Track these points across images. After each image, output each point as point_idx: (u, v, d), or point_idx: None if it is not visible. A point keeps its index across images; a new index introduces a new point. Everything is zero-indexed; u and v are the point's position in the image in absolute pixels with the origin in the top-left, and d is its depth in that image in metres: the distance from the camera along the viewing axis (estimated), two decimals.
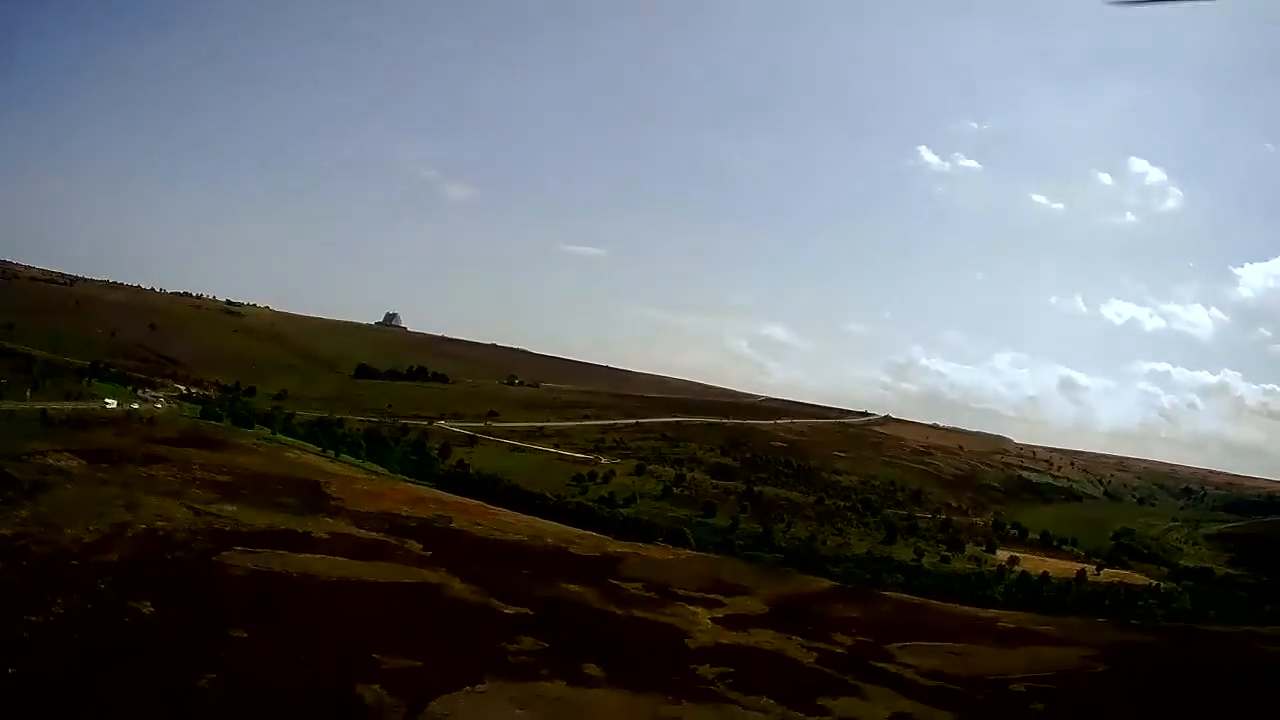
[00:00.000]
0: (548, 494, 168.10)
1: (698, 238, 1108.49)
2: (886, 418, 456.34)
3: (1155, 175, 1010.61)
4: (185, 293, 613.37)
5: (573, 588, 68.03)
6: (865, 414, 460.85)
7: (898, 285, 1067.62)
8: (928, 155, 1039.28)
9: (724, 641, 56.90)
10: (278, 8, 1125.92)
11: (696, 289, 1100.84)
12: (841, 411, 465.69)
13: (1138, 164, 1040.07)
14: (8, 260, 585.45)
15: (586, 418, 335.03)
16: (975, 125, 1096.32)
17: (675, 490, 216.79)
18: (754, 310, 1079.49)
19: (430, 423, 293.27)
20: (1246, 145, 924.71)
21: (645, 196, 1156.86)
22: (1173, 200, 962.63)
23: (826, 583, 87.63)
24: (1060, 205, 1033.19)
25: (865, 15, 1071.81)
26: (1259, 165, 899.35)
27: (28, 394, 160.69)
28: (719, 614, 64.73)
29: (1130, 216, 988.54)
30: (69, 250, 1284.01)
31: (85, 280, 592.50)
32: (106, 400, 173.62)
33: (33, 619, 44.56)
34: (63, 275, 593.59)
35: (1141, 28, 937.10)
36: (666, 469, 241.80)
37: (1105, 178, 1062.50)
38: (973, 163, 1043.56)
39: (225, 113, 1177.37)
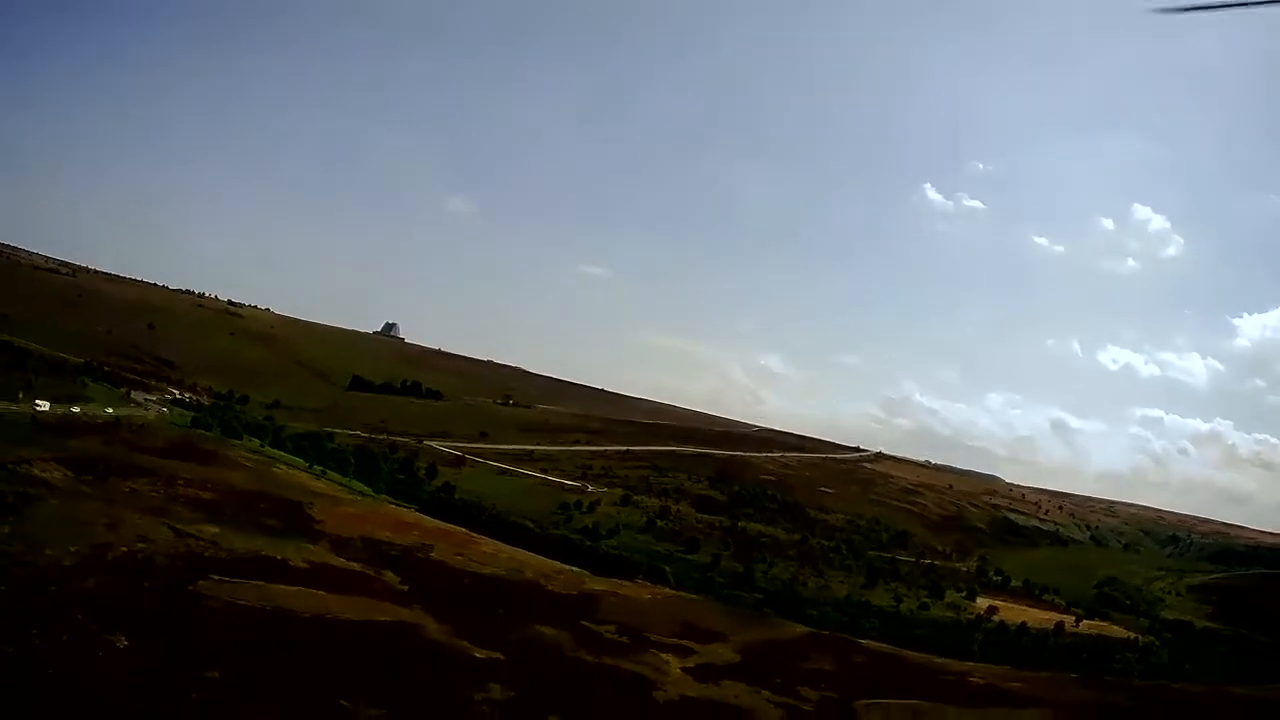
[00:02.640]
0: (531, 523, 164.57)
1: (703, 263, 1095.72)
2: (879, 454, 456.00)
3: (1158, 222, 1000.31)
4: (188, 290, 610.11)
5: (547, 630, 68.88)
6: (858, 449, 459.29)
7: (896, 320, 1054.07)
8: (932, 194, 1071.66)
9: (691, 695, 58.25)
10: (287, 16, 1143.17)
11: (698, 315, 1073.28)
12: (834, 445, 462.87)
13: (1140, 210, 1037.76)
14: (8, 245, 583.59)
15: (578, 442, 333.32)
16: (980, 166, 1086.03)
17: (659, 523, 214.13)
18: (754, 339, 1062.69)
19: (420, 441, 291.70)
20: (1249, 196, 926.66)
21: (652, 219, 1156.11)
22: (1174, 248, 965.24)
23: (802, 629, 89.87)
24: (1061, 248, 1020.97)
25: (879, 54, 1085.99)
26: (1261, 217, 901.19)
27: (20, 394, 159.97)
28: (690, 663, 65.88)
29: (1131, 263, 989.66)
30: (73, 239, 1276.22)
31: (88, 271, 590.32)
32: (88, 407, 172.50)
33: (9, 651, 45.23)
34: (64, 264, 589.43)
35: (1149, 77, 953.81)
36: (652, 500, 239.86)
37: (1108, 223, 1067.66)
38: (976, 203, 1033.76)
39: (237, 114, 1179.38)
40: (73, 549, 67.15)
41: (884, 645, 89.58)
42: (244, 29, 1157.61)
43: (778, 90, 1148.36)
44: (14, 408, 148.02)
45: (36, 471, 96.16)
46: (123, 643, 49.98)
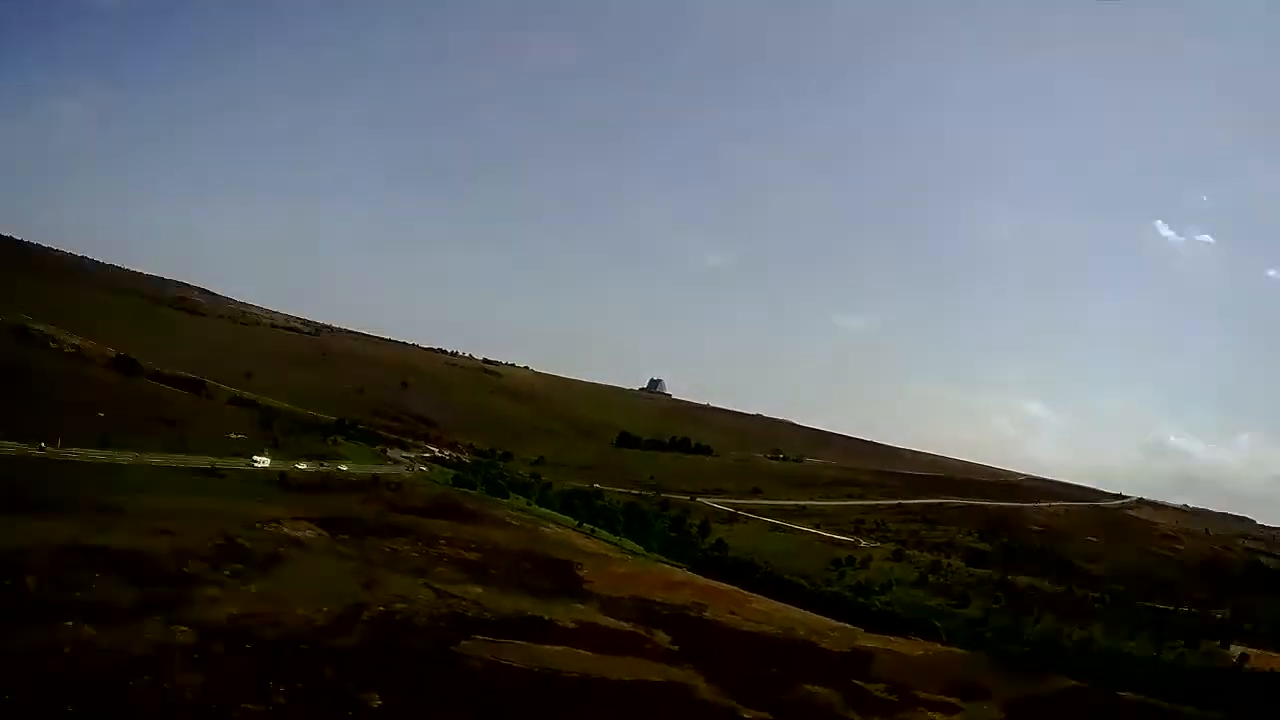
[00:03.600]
0: (804, 580, 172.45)
1: (961, 310, 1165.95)
2: (1139, 500, 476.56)
3: None
4: (440, 349, 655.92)
5: (817, 690, 72.40)
6: (1119, 496, 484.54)
7: (1149, 361, 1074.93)
8: (1164, 230, 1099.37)
9: None
10: (525, 74, 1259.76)
11: (959, 362, 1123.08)
12: (1097, 493, 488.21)
13: None
14: (248, 303, 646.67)
15: (850, 496, 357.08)
16: (1204, 199, 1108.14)
17: (930, 578, 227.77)
18: (1015, 385, 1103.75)
19: (692, 498, 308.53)
20: None
21: (906, 266, 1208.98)
22: None
23: (1066, 682, 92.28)
24: None
25: (1105, 91, 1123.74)
26: None
27: (266, 452, 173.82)
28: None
29: None
30: (315, 299, 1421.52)
31: (331, 330, 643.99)
32: (341, 465, 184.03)
33: (250, 708, 47.92)
34: (306, 323, 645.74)
35: None
36: (924, 554, 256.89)
37: None
38: (1207, 237, 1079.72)
39: (486, 175, 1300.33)
40: (325, 608, 71.26)
41: (1141, 697, 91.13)
42: (490, 96, 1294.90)
43: (1018, 132, 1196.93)
44: (261, 466, 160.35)
45: (287, 530, 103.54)
46: (376, 702, 51.98)
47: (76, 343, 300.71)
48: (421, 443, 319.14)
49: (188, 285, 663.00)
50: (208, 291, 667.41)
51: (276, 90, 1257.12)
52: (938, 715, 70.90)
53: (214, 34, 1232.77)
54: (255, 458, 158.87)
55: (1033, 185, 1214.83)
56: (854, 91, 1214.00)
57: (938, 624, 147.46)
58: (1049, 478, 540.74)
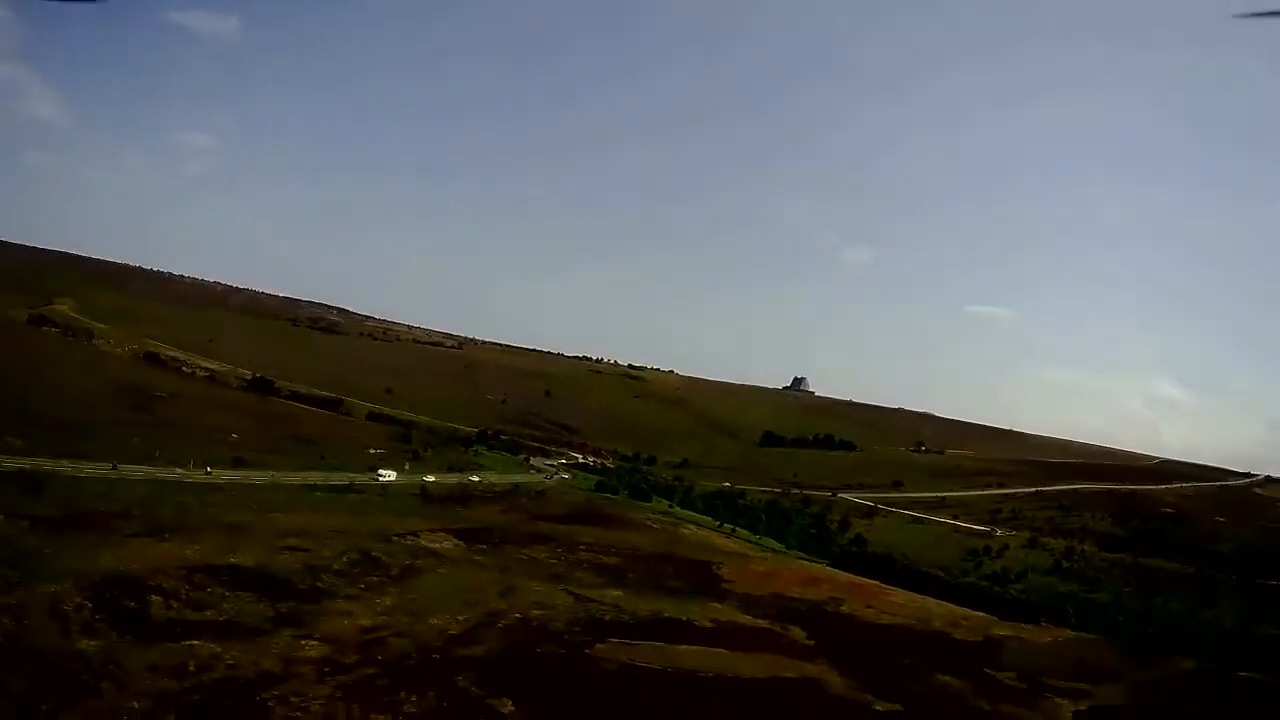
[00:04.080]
0: (941, 571, 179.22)
1: (1097, 296, 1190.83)
2: (1267, 478, 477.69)
3: None
4: (585, 356, 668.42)
5: (949, 679, 73.56)
6: (1248, 474, 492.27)
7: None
8: None
9: None
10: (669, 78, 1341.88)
11: (1097, 347, 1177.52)
12: (1225, 472, 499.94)
13: None
14: (390, 320, 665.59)
15: (988, 486, 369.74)
16: None
17: (1064, 564, 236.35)
18: (1147, 367, 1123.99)
19: (834, 494, 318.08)
20: None
21: (1039, 253, 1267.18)
22: None
23: (1189, 664, 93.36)
24: None
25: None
26: None
27: (406, 465, 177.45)
28: (1082, 705, 71.76)
29: None
30: (459, 312, 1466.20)
31: (475, 342, 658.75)
32: (482, 476, 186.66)
33: (379, 718, 48.36)
34: (450, 337, 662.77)
35: None
36: (1058, 541, 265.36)
37: None
38: None
39: (620, 187, 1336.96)
40: (462, 617, 71.84)
41: (1262, 676, 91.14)
42: (632, 114, 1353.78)
43: (1139, 113, 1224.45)
44: (400, 479, 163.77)
45: (424, 542, 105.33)
46: (508, 708, 51.79)
47: (210, 366, 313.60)
48: (565, 450, 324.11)
49: (325, 305, 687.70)
50: (346, 310, 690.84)
51: (410, 110, 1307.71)
52: (1065, 701, 72.11)
53: (340, 59, 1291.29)
54: (380, 472, 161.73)
55: (1163, 162, 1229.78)
56: (986, 83, 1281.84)
57: (1070, 610, 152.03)
58: (1180, 459, 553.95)
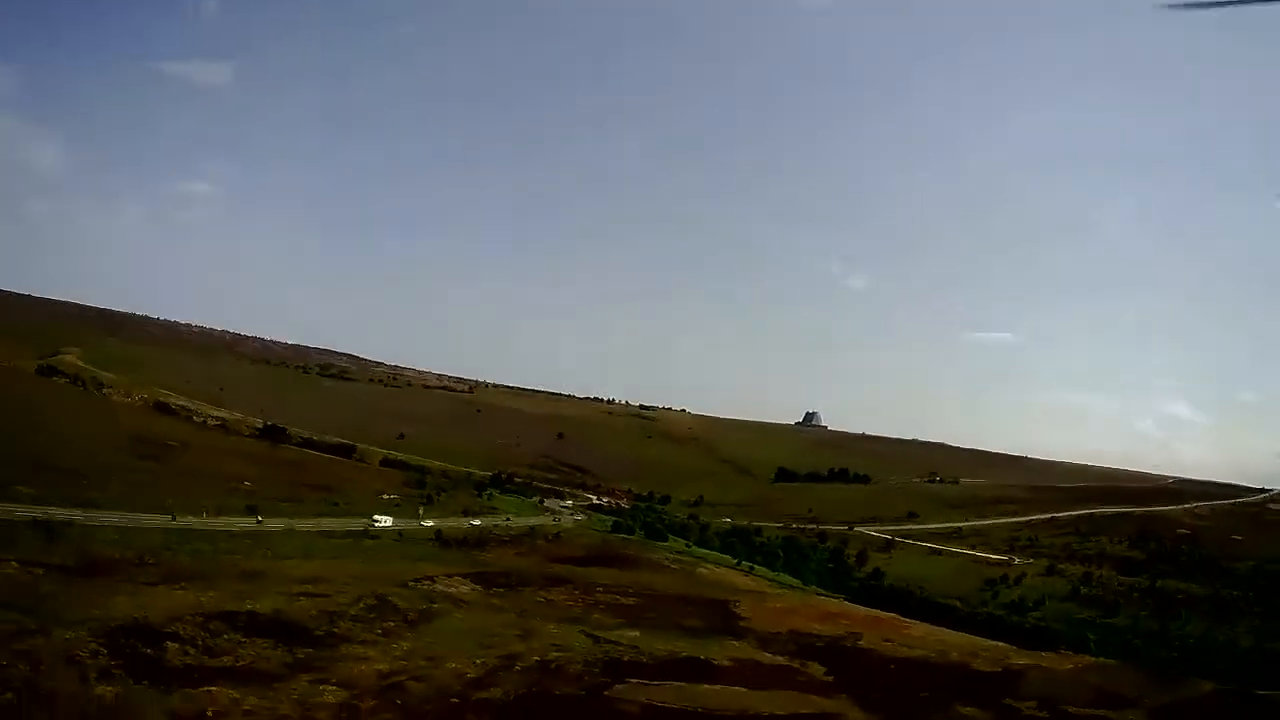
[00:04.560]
0: (959, 602, 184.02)
1: (1101, 316, 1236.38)
2: None
3: None
4: (596, 397, 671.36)
5: (968, 710, 72.94)
6: (1263, 490, 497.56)
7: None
8: None
9: None
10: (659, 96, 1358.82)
11: (1103, 370, 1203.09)
12: (1239, 489, 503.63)
13: None
14: (399, 366, 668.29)
15: (1004, 514, 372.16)
16: None
17: (1082, 590, 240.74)
18: (1157, 387, 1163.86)
19: (850, 528, 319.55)
20: None
21: (1039, 281, 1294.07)
22: None
23: (1208, 686, 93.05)
24: None
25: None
26: None
27: (420, 510, 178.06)
28: None
29: None
30: (467, 357, 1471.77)
31: (485, 385, 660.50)
32: (497, 519, 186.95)
33: None
34: (460, 381, 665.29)
35: None
36: (1076, 567, 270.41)
37: None
38: None
39: (619, 225, 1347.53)
40: (479, 661, 71.73)
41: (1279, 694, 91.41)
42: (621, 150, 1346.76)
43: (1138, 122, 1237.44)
44: (414, 525, 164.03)
45: (440, 587, 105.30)
46: None
47: (221, 415, 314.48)
48: (579, 491, 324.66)
49: (334, 352, 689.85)
50: (354, 356, 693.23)
51: (411, 149, 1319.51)
52: None
53: (336, 102, 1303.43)
54: (376, 517, 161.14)
55: (1166, 178, 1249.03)
56: (990, 103, 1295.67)
57: (1090, 636, 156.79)
58: (1194, 477, 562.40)
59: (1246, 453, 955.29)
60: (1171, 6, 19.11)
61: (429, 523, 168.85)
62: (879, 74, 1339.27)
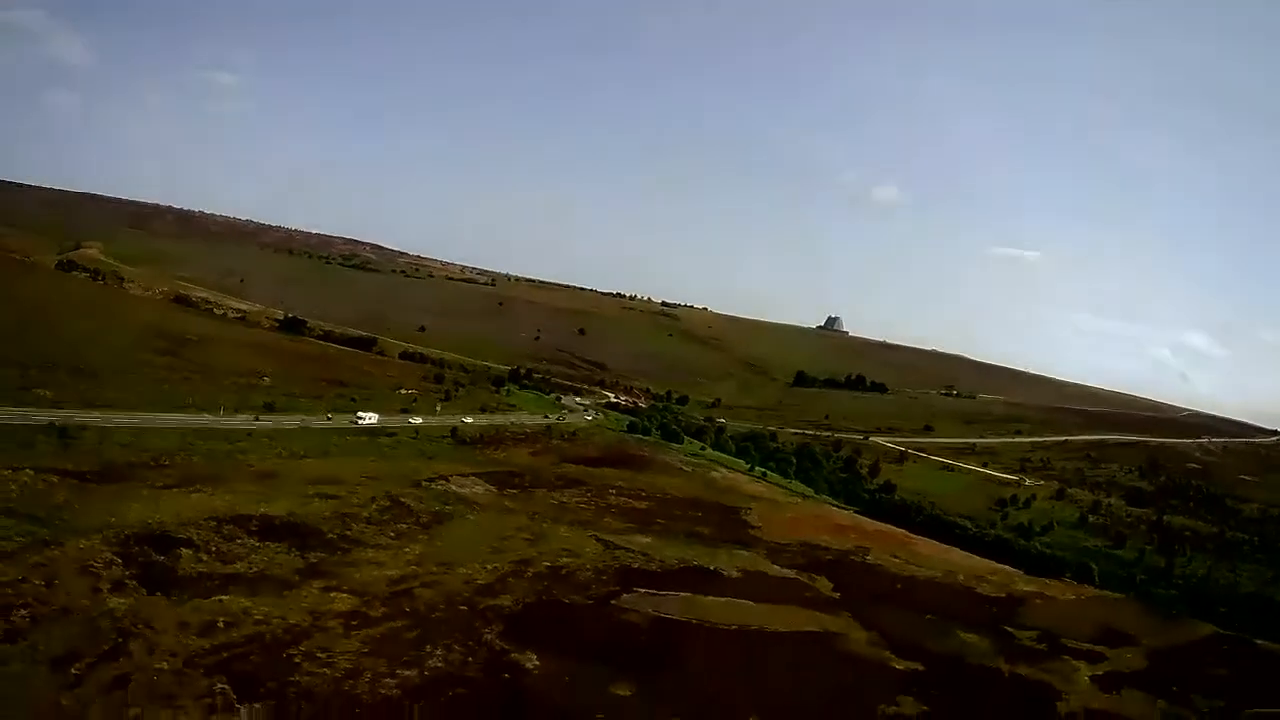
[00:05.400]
0: (968, 521, 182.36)
1: (1127, 241, 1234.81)
2: None
3: None
4: (618, 293, 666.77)
5: (969, 638, 75.25)
6: (1276, 432, 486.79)
7: None
8: None
9: (1093, 706, 64.92)
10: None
11: (1127, 294, 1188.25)
12: (1253, 429, 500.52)
13: None
14: (423, 256, 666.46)
15: (1018, 433, 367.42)
16: None
17: (1091, 518, 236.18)
18: (1177, 317, 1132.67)
19: (865, 437, 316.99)
20: None
21: (1067, 201, 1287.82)
22: None
23: (1208, 629, 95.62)
24: None
25: None
26: None
27: (438, 407, 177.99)
28: (1099, 669, 73.53)
29: None
30: (492, 249, 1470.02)
31: (508, 278, 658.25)
32: (514, 416, 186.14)
33: (405, 674, 49.21)
34: (483, 273, 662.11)
35: None
36: (1086, 493, 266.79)
37: None
38: None
39: (655, 127, 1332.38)
40: (490, 566, 72.84)
41: (1277, 646, 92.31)
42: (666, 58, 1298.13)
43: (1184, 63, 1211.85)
44: (432, 421, 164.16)
45: (454, 488, 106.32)
46: (533, 663, 52.75)
47: (242, 307, 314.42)
48: (598, 389, 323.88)
49: (358, 242, 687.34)
50: (379, 247, 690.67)
51: (440, 46, 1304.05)
52: (1082, 664, 73.61)
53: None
54: (360, 414, 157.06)
55: (1199, 111, 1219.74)
56: (1021, 29, 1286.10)
57: (1093, 566, 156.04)
58: (1209, 412, 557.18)
59: (1263, 393, 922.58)
60: None
61: (445, 419, 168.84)
62: None
